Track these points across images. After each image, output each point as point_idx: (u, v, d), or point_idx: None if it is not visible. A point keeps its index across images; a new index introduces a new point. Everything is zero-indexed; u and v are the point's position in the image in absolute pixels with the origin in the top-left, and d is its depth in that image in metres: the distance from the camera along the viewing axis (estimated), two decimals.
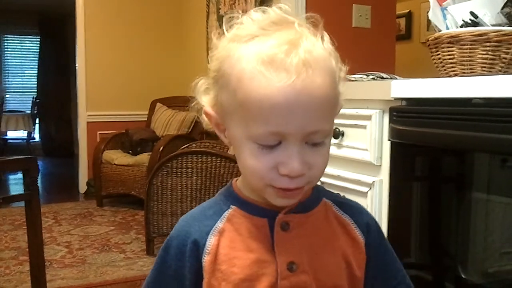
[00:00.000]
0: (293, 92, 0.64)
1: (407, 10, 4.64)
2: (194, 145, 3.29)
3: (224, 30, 0.74)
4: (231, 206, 0.77)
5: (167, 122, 4.71)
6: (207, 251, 0.73)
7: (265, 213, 0.74)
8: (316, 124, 0.67)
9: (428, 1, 1.53)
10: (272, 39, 0.67)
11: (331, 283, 0.75)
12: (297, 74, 0.64)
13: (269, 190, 0.70)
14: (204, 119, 0.78)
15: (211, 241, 0.74)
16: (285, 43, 0.66)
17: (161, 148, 3.95)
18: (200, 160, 3.04)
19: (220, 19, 4.30)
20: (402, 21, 4.67)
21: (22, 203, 1.92)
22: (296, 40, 0.67)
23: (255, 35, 0.69)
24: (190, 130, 4.58)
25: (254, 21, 0.71)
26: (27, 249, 1.95)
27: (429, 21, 1.54)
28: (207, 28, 4.60)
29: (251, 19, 0.71)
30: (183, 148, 3.20)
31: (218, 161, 3.05)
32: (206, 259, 0.73)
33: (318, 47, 0.68)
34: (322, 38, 0.71)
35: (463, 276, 1.30)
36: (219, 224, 0.75)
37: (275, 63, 0.65)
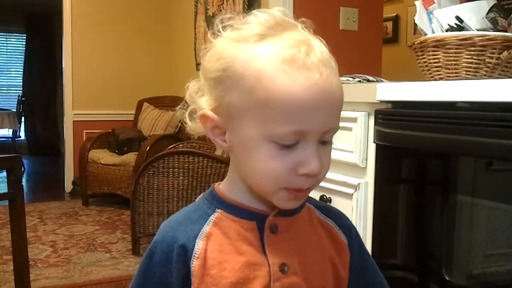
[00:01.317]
0: (318, 90, 0.66)
1: (394, 14, 4.66)
2: (181, 145, 3.29)
3: (221, 30, 0.73)
4: (217, 209, 0.76)
5: (154, 122, 4.69)
6: (196, 255, 0.72)
7: (253, 216, 0.74)
8: (334, 122, 0.69)
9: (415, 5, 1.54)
10: (284, 39, 0.68)
11: (319, 284, 0.75)
12: (320, 73, 0.66)
13: (282, 193, 0.70)
14: (189, 124, 0.77)
15: (199, 245, 0.72)
16: (300, 43, 0.68)
17: (148, 148, 3.94)
18: (187, 160, 3.03)
19: (208, 19, 4.30)
20: (390, 25, 4.70)
21: (6, 202, 1.90)
22: (308, 41, 0.69)
23: (264, 35, 0.69)
24: (177, 130, 4.58)
25: (260, 21, 0.71)
26: (11, 248, 1.93)
27: (416, 25, 1.55)
28: (195, 28, 4.59)
29: (257, 20, 0.71)
30: (170, 148, 3.20)
31: (205, 162, 3.04)
32: (195, 264, 0.72)
33: (324, 48, 0.71)
34: (321, 40, 0.72)
35: (447, 278, 1.31)
36: (206, 228, 0.74)
37: (297, 62, 0.66)
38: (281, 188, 0.69)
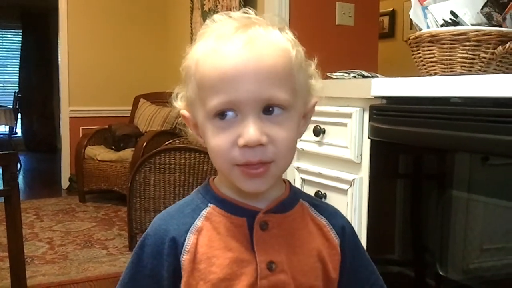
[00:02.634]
0: (240, 59, 0.67)
1: (391, 9, 4.66)
2: (177, 141, 3.28)
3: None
4: (209, 204, 0.76)
5: (151, 118, 4.69)
6: (186, 249, 0.73)
7: (243, 212, 0.75)
8: (268, 90, 0.68)
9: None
10: (226, 26, 0.71)
11: (308, 284, 0.75)
12: (243, 44, 0.68)
13: (235, 171, 0.70)
14: (189, 132, 0.80)
15: (190, 239, 0.73)
16: (238, 25, 0.71)
17: (144, 144, 3.93)
18: (183, 156, 3.03)
19: (204, 15, 4.29)
20: (386, 19, 4.70)
21: (2, 199, 1.90)
22: (249, 24, 0.71)
23: (214, 30, 0.73)
24: (173, 126, 4.56)
25: (216, 22, 0.74)
26: (7, 245, 1.93)
27: (412, 21, 1.55)
28: (191, 24, 4.58)
29: (213, 21, 0.75)
30: (167, 144, 3.19)
31: (201, 157, 3.04)
32: (185, 258, 0.72)
33: (272, 31, 0.72)
34: (281, 28, 0.74)
35: (441, 273, 1.31)
36: (197, 223, 0.75)
37: (223, 39, 0.69)
38: (232, 165, 0.70)
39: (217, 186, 0.78)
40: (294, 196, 0.80)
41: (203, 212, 0.76)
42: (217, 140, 0.70)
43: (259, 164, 0.69)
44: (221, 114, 0.69)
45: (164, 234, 0.74)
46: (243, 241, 0.73)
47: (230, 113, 0.69)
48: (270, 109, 0.69)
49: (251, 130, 0.67)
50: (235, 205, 0.75)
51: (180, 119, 0.80)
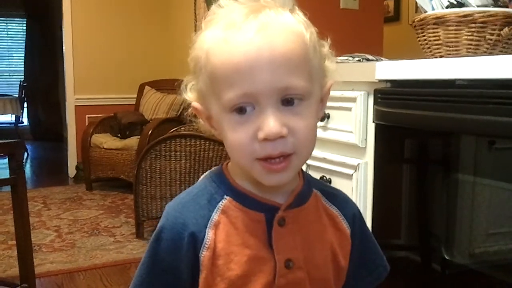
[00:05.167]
0: (253, 48, 0.64)
1: None
2: (183, 128, 3.28)
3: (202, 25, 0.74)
4: (225, 196, 0.74)
5: (156, 105, 4.68)
6: (206, 245, 0.71)
7: (262, 207, 0.73)
8: (285, 79, 0.65)
9: None
10: (235, 12, 0.68)
11: (321, 277, 0.75)
12: (255, 32, 0.65)
13: (256, 166, 0.68)
14: (201, 123, 0.77)
15: (209, 235, 0.71)
16: (247, 11, 0.67)
17: (150, 132, 3.94)
18: (189, 143, 3.03)
19: (208, 0, 4.26)
20: (391, 3, 4.65)
21: (9, 188, 1.91)
22: (259, 8, 0.68)
23: (222, 17, 0.70)
24: (179, 113, 4.56)
25: (222, 7, 0.71)
26: (15, 234, 1.94)
27: (417, 3, 1.53)
28: (195, 10, 4.56)
29: (219, 6, 0.71)
30: (172, 132, 3.19)
31: (207, 144, 3.04)
32: (205, 254, 0.71)
33: (283, 13, 0.69)
34: (291, 10, 0.71)
35: (447, 257, 1.31)
36: (215, 216, 0.72)
37: (234, 27, 0.66)
38: (252, 159, 0.68)
39: (232, 176, 0.76)
40: (308, 186, 0.78)
41: (219, 204, 0.73)
42: (235, 135, 0.68)
43: (281, 158, 0.67)
44: (240, 109, 0.66)
45: (182, 228, 0.72)
46: (261, 238, 0.72)
47: (249, 108, 0.66)
48: (290, 99, 0.66)
49: (271, 123, 0.64)
50: (253, 199, 0.73)
51: (190, 110, 0.77)
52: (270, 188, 0.72)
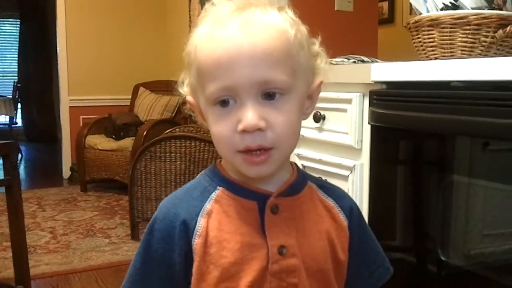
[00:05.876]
0: (234, 43, 0.67)
1: None
2: (177, 129, 3.28)
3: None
4: (218, 187, 0.75)
5: (151, 107, 4.68)
6: (198, 233, 0.72)
7: (254, 195, 0.74)
8: (264, 73, 0.67)
9: None
10: (223, 10, 0.70)
11: (317, 267, 0.75)
12: (238, 28, 0.67)
13: (237, 158, 0.70)
14: (198, 118, 0.80)
15: (201, 223, 0.72)
16: (233, 8, 0.70)
17: (145, 133, 3.93)
18: (183, 144, 3.03)
19: (202, 1, 4.26)
20: (385, 5, 4.66)
21: (3, 189, 1.90)
22: (245, 6, 0.70)
23: (211, 14, 0.72)
24: (173, 114, 4.56)
25: (215, 5, 0.73)
26: (10, 235, 1.94)
27: (412, 5, 1.54)
28: (189, 11, 4.56)
29: (212, 4, 0.74)
30: (167, 133, 3.19)
31: (202, 146, 3.04)
32: (197, 242, 0.72)
33: (269, 11, 0.71)
34: (280, 8, 0.72)
35: (443, 258, 1.31)
36: (207, 206, 0.74)
37: (219, 23, 0.69)
38: (234, 151, 0.70)
39: (224, 168, 0.78)
40: (302, 178, 0.80)
41: (212, 195, 0.75)
42: (218, 127, 0.70)
43: (261, 151, 0.69)
44: (222, 102, 0.69)
45: (174, 217, 0.73)
46: (254, 225, 0.73)
47: (231, 101, 0.68)
48: (271, 93, 0.68)
49: (249, 115, 0.67)
50: (245, 188, 0.74)
51: (188, 105, 0.79)
52: (260, 179, 0.74)
